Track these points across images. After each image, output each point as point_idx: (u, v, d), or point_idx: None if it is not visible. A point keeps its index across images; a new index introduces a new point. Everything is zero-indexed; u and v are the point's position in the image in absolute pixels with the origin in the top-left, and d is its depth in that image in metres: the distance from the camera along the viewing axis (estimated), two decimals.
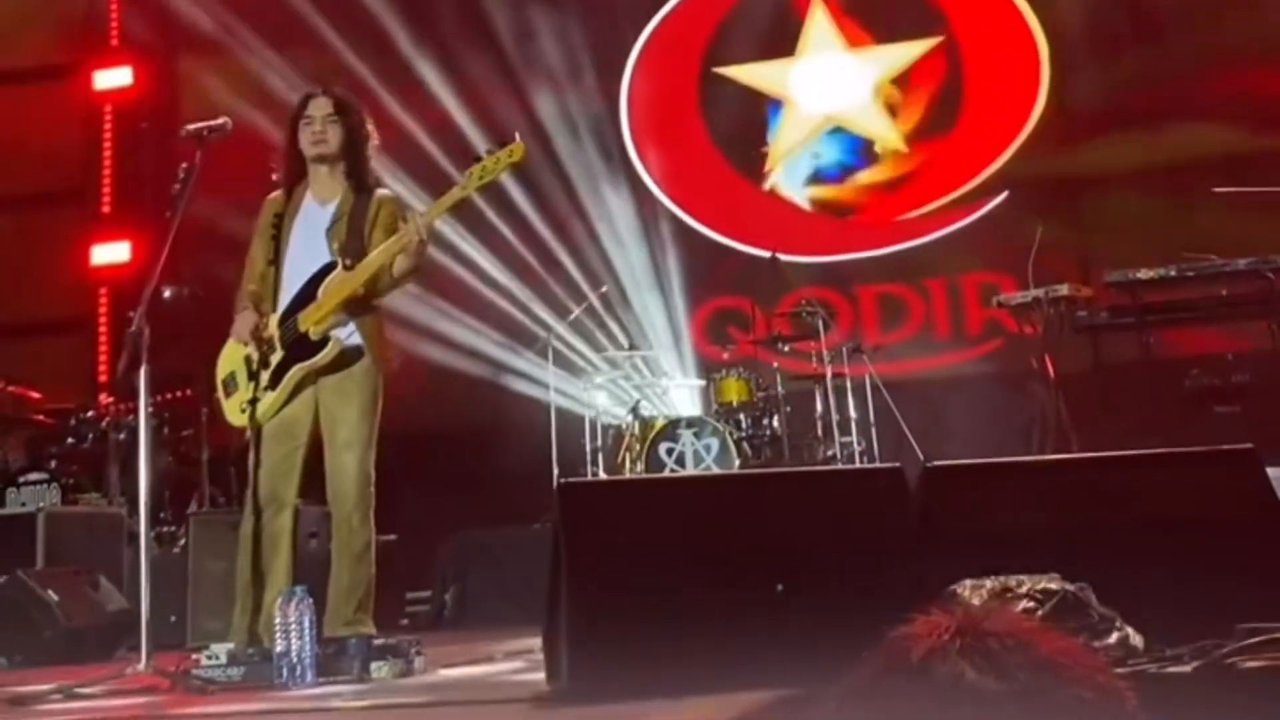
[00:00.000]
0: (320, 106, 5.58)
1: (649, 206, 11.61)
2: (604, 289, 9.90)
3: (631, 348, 10.23)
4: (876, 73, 11.50)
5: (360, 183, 5.63)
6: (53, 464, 9.32)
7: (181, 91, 12.76)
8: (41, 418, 10.32)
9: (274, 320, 5.45)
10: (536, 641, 4.11)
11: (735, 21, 11.84)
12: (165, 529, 8.93)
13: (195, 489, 9.41)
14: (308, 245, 5.52)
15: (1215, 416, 8.43)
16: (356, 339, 5.46)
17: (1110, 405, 8.77)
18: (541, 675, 3.92)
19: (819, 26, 11.67)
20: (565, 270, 11.27)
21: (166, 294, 9.46)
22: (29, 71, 13.24)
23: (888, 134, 11.39)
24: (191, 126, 5.52)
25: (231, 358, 5.57)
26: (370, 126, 5.75)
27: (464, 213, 10.97)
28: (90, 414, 9.83)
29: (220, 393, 5.65)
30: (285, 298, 5.49)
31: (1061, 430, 8.39)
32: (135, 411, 9.45)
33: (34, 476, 8.55)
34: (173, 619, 7.68)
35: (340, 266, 5.38)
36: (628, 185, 11.68)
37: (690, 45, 11.87)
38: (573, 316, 9.99)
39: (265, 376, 5.40)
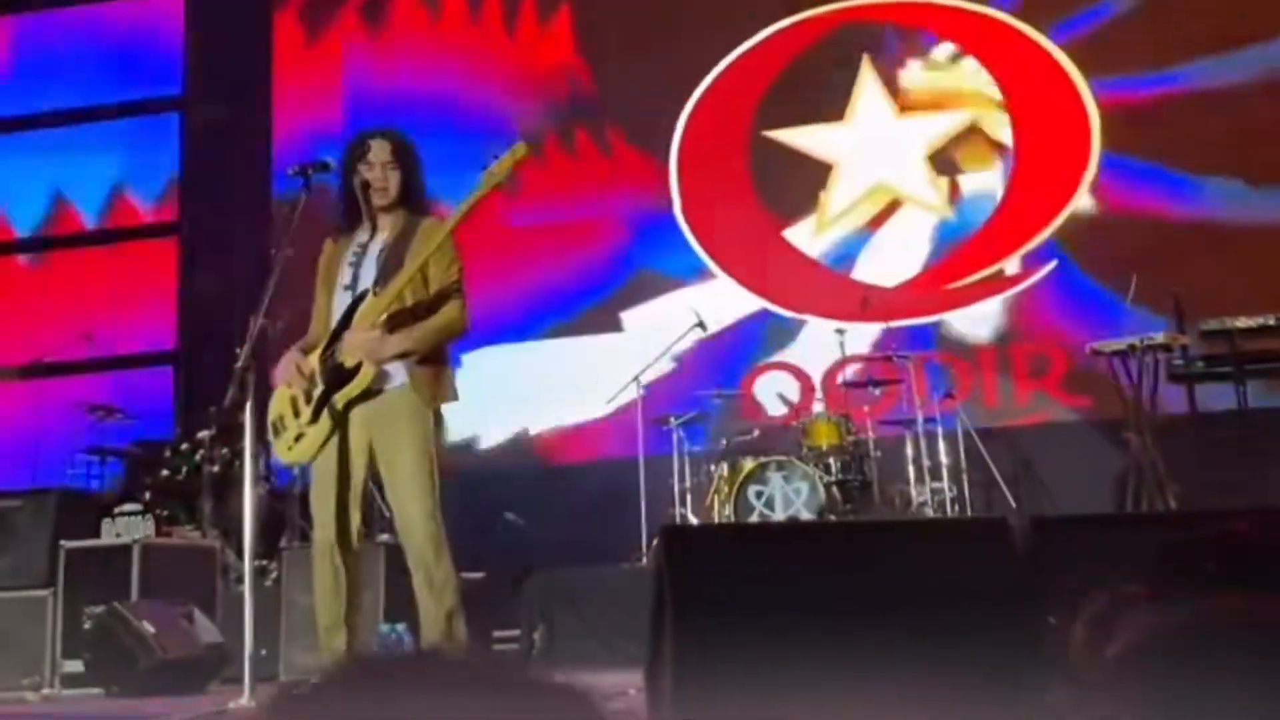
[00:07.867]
0: (380, 153, 5.43)
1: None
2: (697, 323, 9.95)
3: (717, 389, 10.18)
4: (927, 139, 11.36)
5: (412, 211, 5.52)
6: (146, 495, 9.45)
7: (276, 128, 12.91)
8: (135, 449, 10.48)
9: (314, 356, 5.39)
10: (628, 680, 4.09)
11: (785, 85, 11.70)
12: (257, 562, 9.00)
13: (286, 523, 9.49)
14: (356, 279, 5.44)
15: None
16: (402, 376, 5.33)
17: (1207, 456, 8.69)
18: (641, 717, 3.92)
19: (869, 92, 11.56)
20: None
21: (280, 325, 9.59)
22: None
23: (937, 202, 11.27)
24: (296, 166, 5.57)
25: (280, 401, 5.47)
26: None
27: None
28: (184, 446, 9.96)
29: (271, 435, 5.57)
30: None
31: (1158, 481, 8.31)
32: (227, 444, 9.64)
33: (128, 508, 8.62)
34: (263, 653, 7.72)
35: (371, 293, 5.30)
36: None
37: (740, 107, 11.72)
38: (651, 362, 10.01)
39: (307, 411, 5.35)
